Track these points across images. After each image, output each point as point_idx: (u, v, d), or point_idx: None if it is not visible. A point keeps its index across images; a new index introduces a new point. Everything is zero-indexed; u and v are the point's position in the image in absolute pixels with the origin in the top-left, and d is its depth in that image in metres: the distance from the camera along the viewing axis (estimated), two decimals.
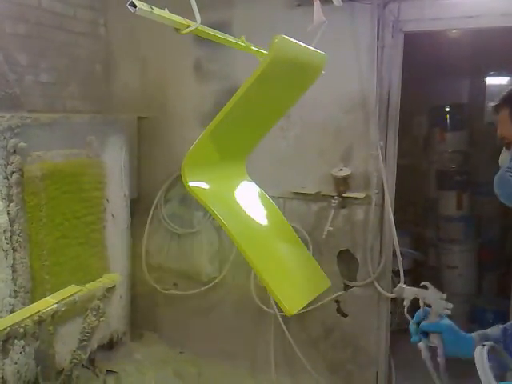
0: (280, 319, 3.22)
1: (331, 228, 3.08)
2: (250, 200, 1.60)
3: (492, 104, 1.44)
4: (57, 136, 2.90)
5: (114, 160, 3.30)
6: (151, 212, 3.58)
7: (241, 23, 3.17)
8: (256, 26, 2.99)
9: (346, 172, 3.03)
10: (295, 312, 1.41)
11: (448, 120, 4.37)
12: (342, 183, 3.05)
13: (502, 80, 4.94)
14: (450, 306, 1.40)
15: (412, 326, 1.44)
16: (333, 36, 2.86)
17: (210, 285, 3.50)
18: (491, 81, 4.93)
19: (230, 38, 1.64)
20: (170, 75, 3.53)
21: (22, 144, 2.63)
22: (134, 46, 3.61)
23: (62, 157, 2.93)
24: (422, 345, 1.42)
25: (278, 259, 1.54)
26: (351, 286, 3.18)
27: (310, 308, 3.07)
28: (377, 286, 3.09)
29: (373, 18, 2.87)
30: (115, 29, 3.65)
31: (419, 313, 1.43)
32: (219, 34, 1.57)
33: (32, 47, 3.13)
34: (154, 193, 3.58)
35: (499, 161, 1.42)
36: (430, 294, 1.40)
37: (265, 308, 3.28)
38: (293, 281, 1.52)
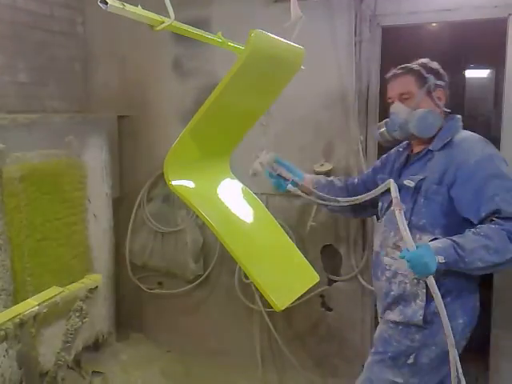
0: (265, 315, 3.22)
1: (314, 223, 3.09)
2: (234, 197, 1.60)
3: (395, 70, 2.07)
4: (36, 137, 2.87)
5: (95, 159, 3.27)
6: (134, 211, 3.56)
7: (219, 20, 3.16)
8: (234, 22, 2.98)
9: (327, 167, 3.04)
10: (284, 307, 1.41)
11: None
12: None
13: (480, 73, 4.99)
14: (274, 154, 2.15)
15: (275, 182, 2.09)
16: (311, 32, 2.87)
17: (195, 283, 3.50)
18: (470, 74, 4.98)
19: (207, 34, 1.62)
20: (149, 73, 3.51)
21: None
22: (112, 44, 3.58)
23: (42, 157, 2.90)
24: (290, 187, 1.98)
25: (265, 255, 1.54)
26: (335, 281, 3.20)
27: (295, 303, 3.08)
28: (360, 279, 3.11)
29: (350, 12, 2.87)
30: (93, 27, 3.62)
31: (267, 171, 2.09)
32: (194, 30, 1.56)
33: (8, 47, 3.09)
34: (136, 192, 3.56)
35: (394, 111, 2.03)
36: (265, 155, 2.03)
37: (250, 305, 3.28)
38: (281, 276, 1.52)
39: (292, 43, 1.58)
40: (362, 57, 2.91)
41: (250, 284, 3.11)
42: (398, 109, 2.01)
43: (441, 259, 1.70)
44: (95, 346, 3.40)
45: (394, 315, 1.99)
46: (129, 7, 1.30)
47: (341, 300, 3.21)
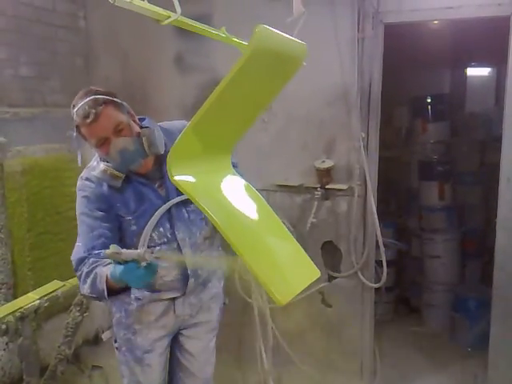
0: (265, 311, 3.23)
1: (315, 220, 3.10)
2: (237, 193, 1.59)
3: (90, 110, 1.80)
4: (37, 131, 2.89)
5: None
6: None
7: (221, 15, 3.15)
8: (236, 18, 2.97)
9: (328, 164, 3.04)
10: (287, 302, 1.41)
11: (430, 111, 4.39)
12: (325, 175, 3.06)
13: (482, 71, 4.99)
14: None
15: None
16: (313, 28, 2.87)
17: None
18: (472, 71, 4.98)
19: (211, 30, 1.63)
20: (151, 68, 3.51)
21: (1, 139, 2.61)
22: (114, 38, 3.57)
23: (43, 151, 2.91)
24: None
25: (267, 251, 1.54)
26: (335, 277, 3.21)
27: (295, 299, 3.09)
28: (360, 276, 3.11)
29: (353, 9, 2.87)
30: (95, 21, 3.62)
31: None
32: (200, 25, 1.56)
33: (10, 41, 3.08)
34: None
35: (121, 146, 1.79)
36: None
37: (250, 300, 3.28)
38: (283, 271, 1.51)
39: (295, 39, 1.58)
40: (364, 54, 2.91)
41: (250, 280, 3.11)
42: (122, 143, 1.80)
43: None
44: (95, 340, 3.41)
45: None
46: (136, 1, 1.30)
47: (341, 296, 3.22)
